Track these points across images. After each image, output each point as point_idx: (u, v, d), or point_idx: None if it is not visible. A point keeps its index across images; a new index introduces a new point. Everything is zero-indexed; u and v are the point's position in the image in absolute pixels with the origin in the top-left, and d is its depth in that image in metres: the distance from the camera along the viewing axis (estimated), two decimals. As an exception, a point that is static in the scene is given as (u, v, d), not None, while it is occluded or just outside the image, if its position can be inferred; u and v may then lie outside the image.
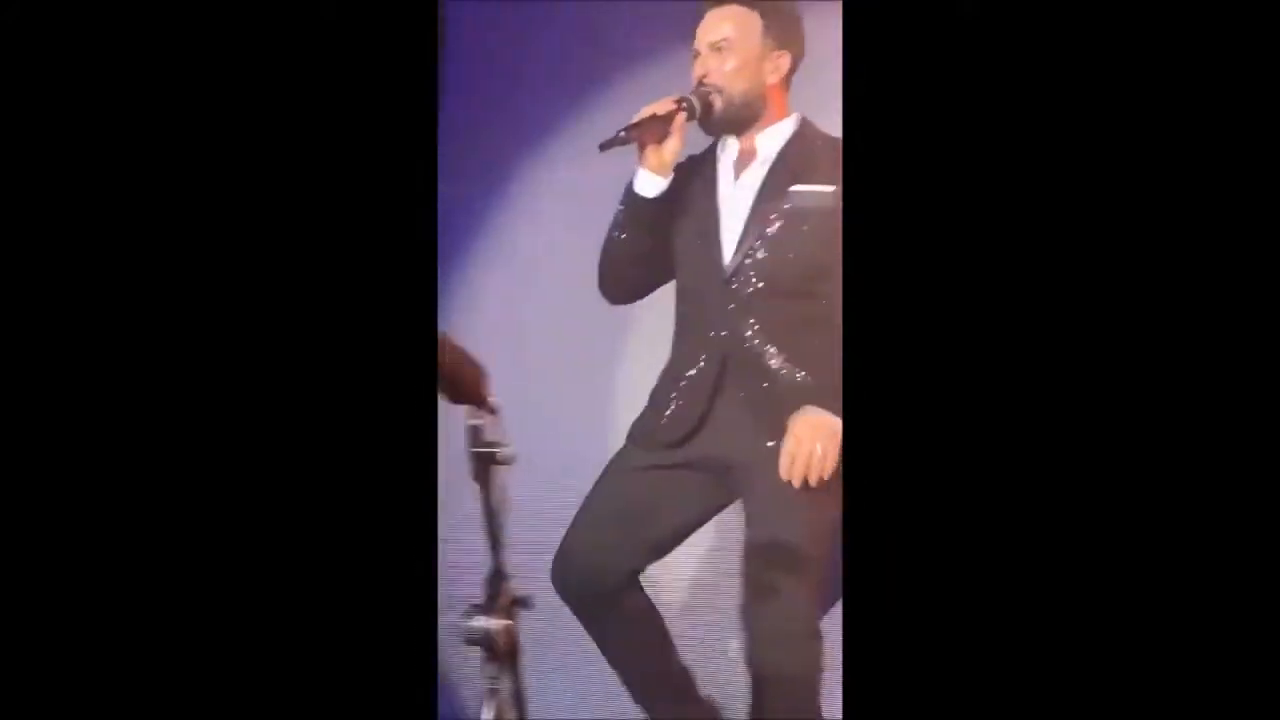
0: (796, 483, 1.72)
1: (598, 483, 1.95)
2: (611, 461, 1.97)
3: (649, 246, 1.92)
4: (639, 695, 1.91)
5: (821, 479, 1.72)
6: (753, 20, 1.90)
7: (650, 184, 1.88)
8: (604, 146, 1.85)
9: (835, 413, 1.72)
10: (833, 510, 1.56)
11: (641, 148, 1.88)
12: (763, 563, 1.78)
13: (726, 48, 1.89)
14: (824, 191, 1.83)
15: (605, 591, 1.87)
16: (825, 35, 2.66)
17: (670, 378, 1.95)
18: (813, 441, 1.73)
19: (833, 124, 1.78)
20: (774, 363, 1.84)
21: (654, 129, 1.86)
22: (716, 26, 1.90)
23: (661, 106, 1.85)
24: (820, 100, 2.96)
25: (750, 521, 1.84)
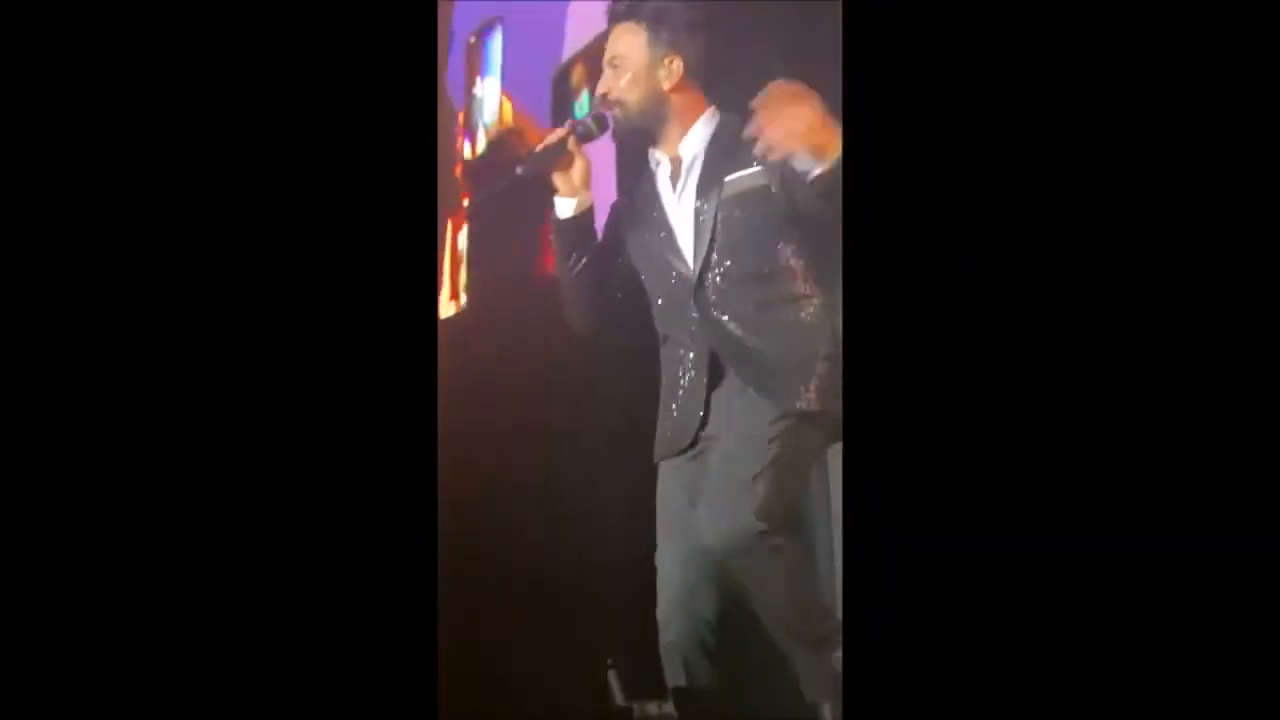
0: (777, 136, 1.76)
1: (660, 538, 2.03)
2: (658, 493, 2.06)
3: (596, 269, 2.04)
4: None
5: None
6: (639, 33, 2.00)
7: (565, 206, 2.02)
8: (521, 175, 2.01)
9: (819, 392, 1.87)
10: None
11: (554, 175, 2.01)
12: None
13: (620, 64, 2.00)
14: (752, 173, 1.93)
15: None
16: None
17: (668, 389, 2.03)
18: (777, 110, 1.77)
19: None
20: (754, 343, 1.92)
21: (552, 158, 1.99)
22: (611, 46, 2.03)
23: (553, 136, 2.00)
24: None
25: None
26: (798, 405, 1.88)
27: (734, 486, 1.84)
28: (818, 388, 1.88)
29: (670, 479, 2.01)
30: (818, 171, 1.74)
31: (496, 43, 4.07)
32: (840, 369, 1.73)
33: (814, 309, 1.94)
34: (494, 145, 4.04)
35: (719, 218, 1.94)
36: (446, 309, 4.05)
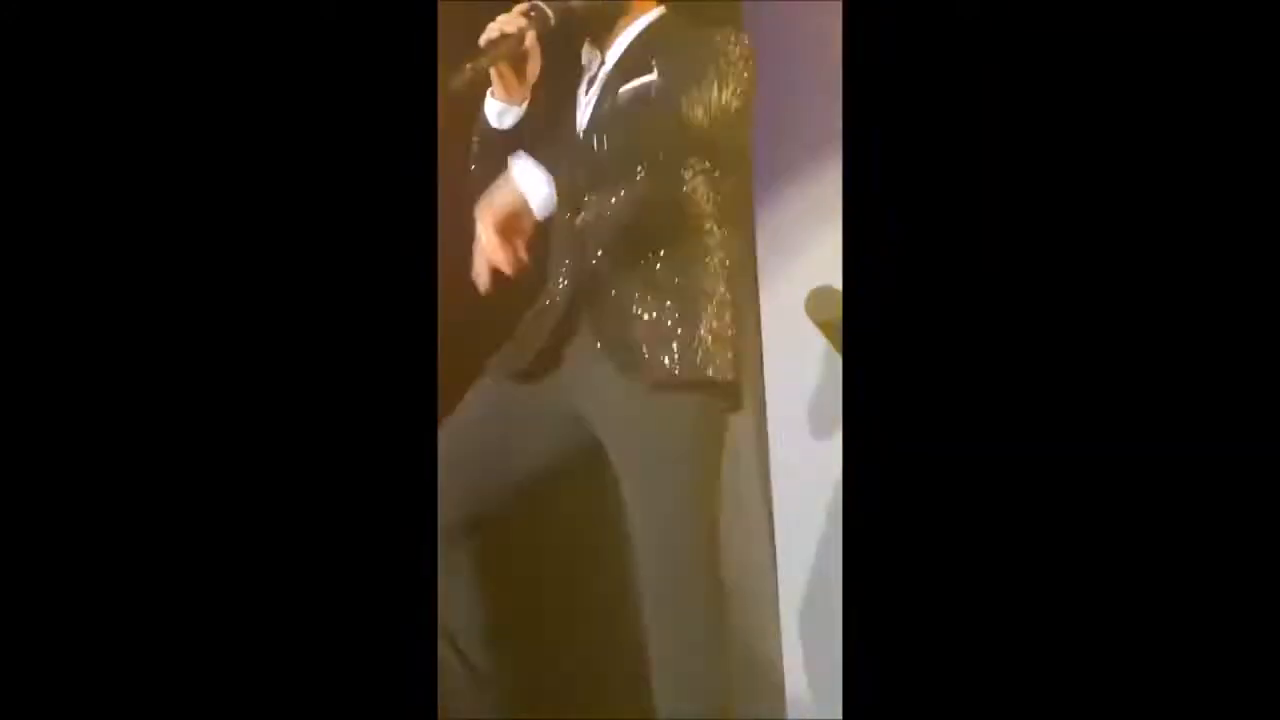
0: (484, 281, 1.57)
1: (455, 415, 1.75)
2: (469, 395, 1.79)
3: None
4: None
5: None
6: None
7: (502, 113, 1.68)
8: (455, 88, 1.60)
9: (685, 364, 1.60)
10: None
11: (501, 70, 1.65)
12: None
13: None
14: (646, 83, 1.67)
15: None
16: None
17: (532, 308, 1.77)
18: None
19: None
20: (628, 305, 1.64)
21: (504, 49, 1.63)
22: None
23: (509, 22, 1.63)
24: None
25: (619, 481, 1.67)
26: (661, 372, 1.62)
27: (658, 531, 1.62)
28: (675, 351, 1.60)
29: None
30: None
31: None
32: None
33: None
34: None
35: (608, 126, 1.67)
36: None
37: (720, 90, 1.56)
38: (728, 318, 1.64)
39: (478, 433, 1.73)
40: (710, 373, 1.62)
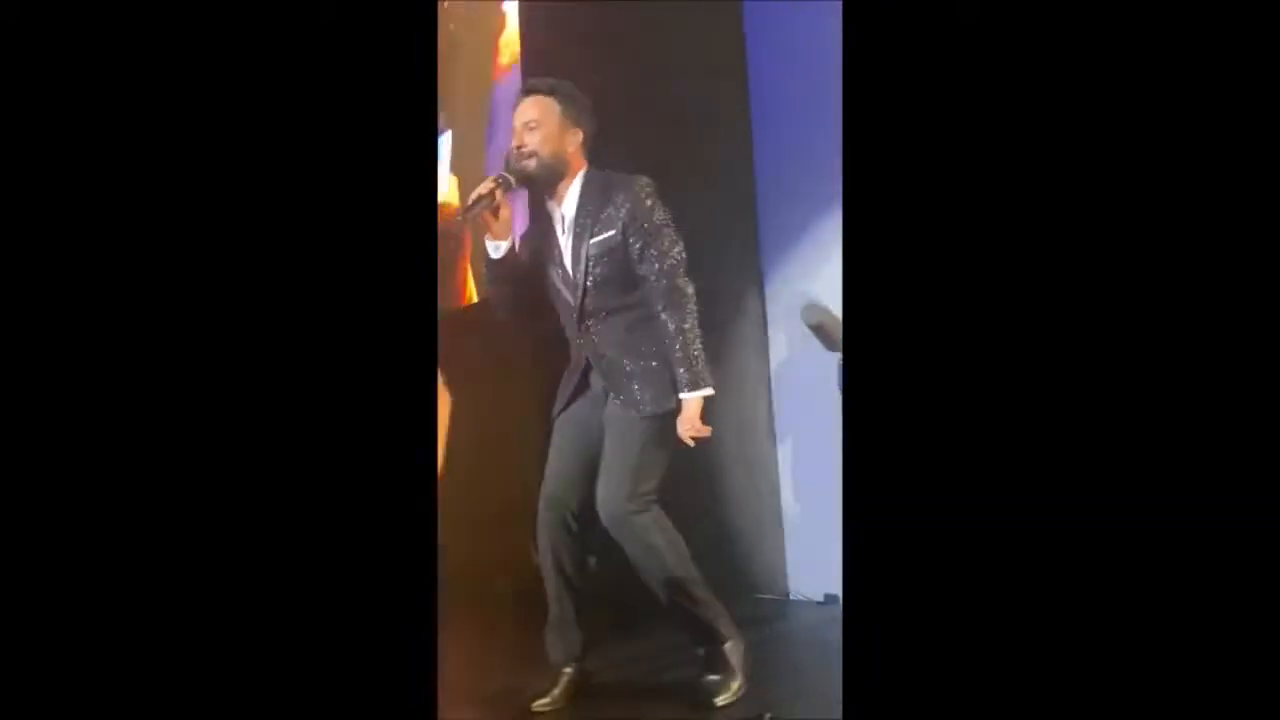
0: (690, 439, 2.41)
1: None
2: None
3: (512, 291, 2.58)
4: None
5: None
6: (552, 105, 2.53)
7: (495, 248, 2.52)
8: (463, 215, 2.55)
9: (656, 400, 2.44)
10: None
11: (487, 219, 2.49)
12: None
13: (535, 126, 2.51)
14: (606, 238, 2.48)
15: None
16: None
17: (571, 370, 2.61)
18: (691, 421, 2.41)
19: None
20: (612, 354, 2.50)
21: (484, 205, 2.44)
22: (527, 111, 2.53)
23: (484, 187, 2.46)
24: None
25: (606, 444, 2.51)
26: (647, 410, 2.44)
27: (611, 472, 2.42)
28: (654, 396, 2.44)
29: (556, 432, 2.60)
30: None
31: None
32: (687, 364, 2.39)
33: (668, 324, 2.44)
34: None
35: (587, 256, 2.49)
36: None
37: (671, 245, 2.46)
38: (696, 348, 2.43)
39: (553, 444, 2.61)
40: (670, 405, 2.43)
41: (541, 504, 2.53)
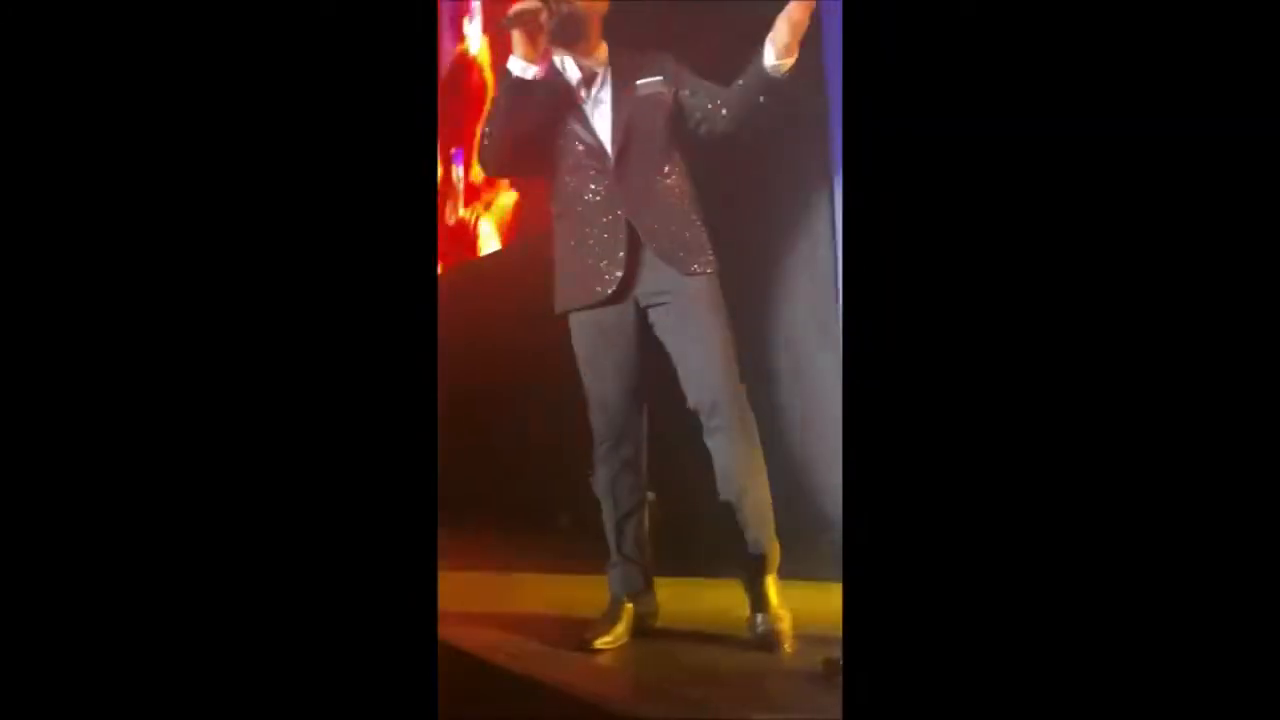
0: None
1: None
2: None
3: (523, 128, 2.42)
4: None
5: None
6: None
7: (523, 68, 2.35)
8: (503, 23, 2.32)
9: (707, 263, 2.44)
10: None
11: (523, 36, 2.33)
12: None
13: None
14: (652, 81, 2.45)
15: None
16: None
17: (570, 249, 2.48)
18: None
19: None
20: (652, 223, 2.41)
21: (527, 21, 2.30)
22: None
23: (530, 3, 2.30)
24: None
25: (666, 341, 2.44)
26: (702, 270, 2.40)
27: (707, 356, 2.35)
28: (708, 259, 2.41)
29: (587, 326, 2.46)
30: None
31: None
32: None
33: (690, 193, 2.45)
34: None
35: (626, 115, 2.42)
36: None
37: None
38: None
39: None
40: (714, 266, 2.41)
41: (595, 435, 2.47)
